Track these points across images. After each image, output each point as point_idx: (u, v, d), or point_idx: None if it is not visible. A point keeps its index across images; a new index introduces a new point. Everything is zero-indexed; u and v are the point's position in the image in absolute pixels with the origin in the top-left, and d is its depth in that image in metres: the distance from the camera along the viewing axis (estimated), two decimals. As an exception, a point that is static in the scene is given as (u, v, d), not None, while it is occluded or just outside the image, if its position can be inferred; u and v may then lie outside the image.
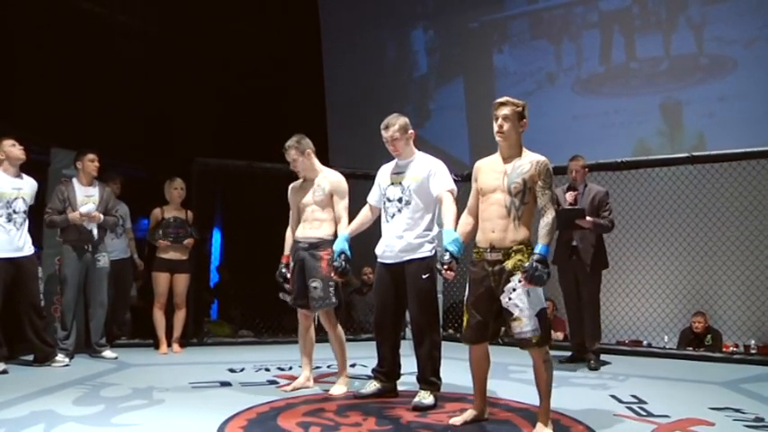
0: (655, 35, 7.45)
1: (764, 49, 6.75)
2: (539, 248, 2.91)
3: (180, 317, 5.50)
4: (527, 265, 2.88)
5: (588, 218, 4.83)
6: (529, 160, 3.04)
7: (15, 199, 4.44)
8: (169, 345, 5.46)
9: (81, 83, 6.84)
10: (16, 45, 6.45)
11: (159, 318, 5.43)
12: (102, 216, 4.92)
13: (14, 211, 4.41)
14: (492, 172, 3.09)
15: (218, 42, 8.33)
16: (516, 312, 2.93)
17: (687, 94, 7.20)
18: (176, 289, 5.45)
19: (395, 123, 3.64)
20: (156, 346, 5.46)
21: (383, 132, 3.66)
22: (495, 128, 3.06)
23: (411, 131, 3.69)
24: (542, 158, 3.04)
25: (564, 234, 4.90)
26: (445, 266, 3.11)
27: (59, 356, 4.62)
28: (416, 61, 9.40)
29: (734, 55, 6.94)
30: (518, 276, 2.92)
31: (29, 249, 4.52)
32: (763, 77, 6.68)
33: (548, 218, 2.98)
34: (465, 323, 3.11)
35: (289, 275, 3.93)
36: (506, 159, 3.08)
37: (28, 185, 4.57)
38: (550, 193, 3.03)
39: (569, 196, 5.00)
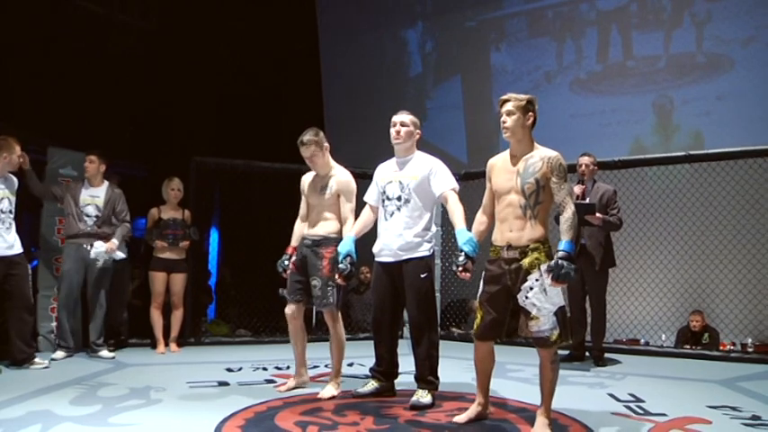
0: (652, 34, 7.46)
1: (762, 49, 6.77)
2: (563, 245, 2.86)
3: (177, 316, 5.50)
4: (552, 263, 2.85)
5: (598, 214, 4.83)
6: (540, 157, 3.00)
7: (2, 199, 4.43)
8: (166, 344, 5.46)
9: (80, 82, 6.83)
10: (16, 44, 6.44)
11: (156, 317, 5.43)
12: (115, 243, 4.99)
13: (1, 211, 4.41)
14: (505, 172, 3.06)
15: (217, 42, 8.33)
16: (534, 311, 2.90)
17: (684, 92, 7.22)
18: (173, 288, 5.45)
19: (410, 115, 3.68)
20: (154, 345, 5.46)
21: (394, 117, 3.65)
22: (501, 124, 3.06)
23: (419, 132, 3.69)
24: (554, 154, 3.01)
25: None
26: (460, 267, 3.09)
27: (38, 359, 4.53)
28: (414, 60, 9.40)
29: (731, 54, 6.95)
30: (535, 275, 2.90)
31: (18, 248, 4.51)
32: (761, 76, 6.70)
33: (567, 212, 2.93)
34: (479, 320, 3.06)
35: (289, 268, 3.87)
36: (517, 157, 3.04)
37: (11, 184, 4.55)
38: (567, 187, 2.99)
39: (577, 189, 4.99)
